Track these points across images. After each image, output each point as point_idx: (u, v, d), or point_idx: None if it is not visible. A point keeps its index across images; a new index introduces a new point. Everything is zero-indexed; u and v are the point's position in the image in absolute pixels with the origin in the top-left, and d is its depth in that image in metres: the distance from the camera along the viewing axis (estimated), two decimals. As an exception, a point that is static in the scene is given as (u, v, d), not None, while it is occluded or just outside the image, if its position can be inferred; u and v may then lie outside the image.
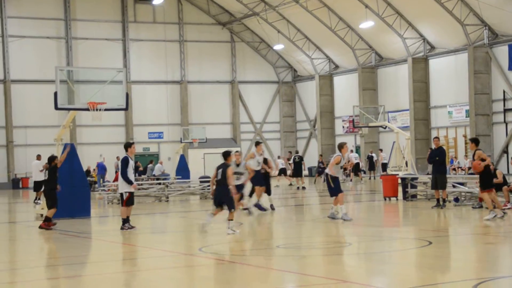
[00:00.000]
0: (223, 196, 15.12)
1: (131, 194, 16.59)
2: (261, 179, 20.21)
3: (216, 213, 15.55)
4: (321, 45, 50.24)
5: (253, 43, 53.59)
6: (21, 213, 26.03)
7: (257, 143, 20.85)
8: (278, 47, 51.71)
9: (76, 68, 43.14)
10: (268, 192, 20.72)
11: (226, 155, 15.46)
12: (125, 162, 16.47)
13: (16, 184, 46.08)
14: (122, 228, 16.56)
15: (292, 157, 35.71)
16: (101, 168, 39.74)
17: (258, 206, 20.25)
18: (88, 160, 42.13)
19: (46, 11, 47.80)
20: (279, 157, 42.21)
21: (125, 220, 16.65)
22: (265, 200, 20.78)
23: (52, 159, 18.35)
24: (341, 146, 17.51)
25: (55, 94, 19.43)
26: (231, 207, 15.16)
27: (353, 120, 43.55)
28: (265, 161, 20.54)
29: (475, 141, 17.62)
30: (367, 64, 47.95)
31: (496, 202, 17.21)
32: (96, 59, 47.02)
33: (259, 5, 48.32)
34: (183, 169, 38.74)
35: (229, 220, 15.14)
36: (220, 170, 15.22)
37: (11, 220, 22.93)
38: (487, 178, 17.04)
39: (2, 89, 46.68)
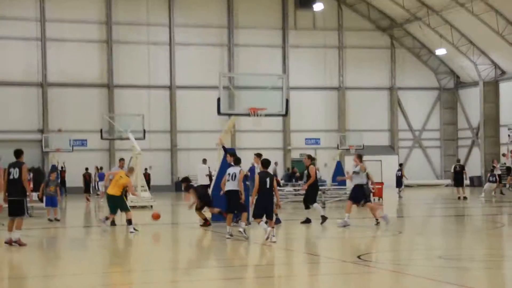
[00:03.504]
0: None
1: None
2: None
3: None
4: (487, 50, 48.20)
5: (414, 48, 52.42)
6: (183, 215, 26.96)
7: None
8: (440, 52, 50.24)
9: (238, 74, 44.15)
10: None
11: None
12: None
13: (179, 186, 47.81)
14: None
15: (453, 166, 34.53)
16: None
17: None
18: (247, 164, 42.87)
19: (211, 19, 49.34)
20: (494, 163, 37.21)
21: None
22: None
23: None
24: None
25: (218, 100, 19.89)
26: None
27: (520, 128, 41.44)
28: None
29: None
30: (537, 69, 45.43)
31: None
32: (256, 66, 47.92)
33: (422, 10, 47.20)
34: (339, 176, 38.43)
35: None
36: None
37: (173, 222, 23.83)
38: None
39: (168, 95, 48.73)
